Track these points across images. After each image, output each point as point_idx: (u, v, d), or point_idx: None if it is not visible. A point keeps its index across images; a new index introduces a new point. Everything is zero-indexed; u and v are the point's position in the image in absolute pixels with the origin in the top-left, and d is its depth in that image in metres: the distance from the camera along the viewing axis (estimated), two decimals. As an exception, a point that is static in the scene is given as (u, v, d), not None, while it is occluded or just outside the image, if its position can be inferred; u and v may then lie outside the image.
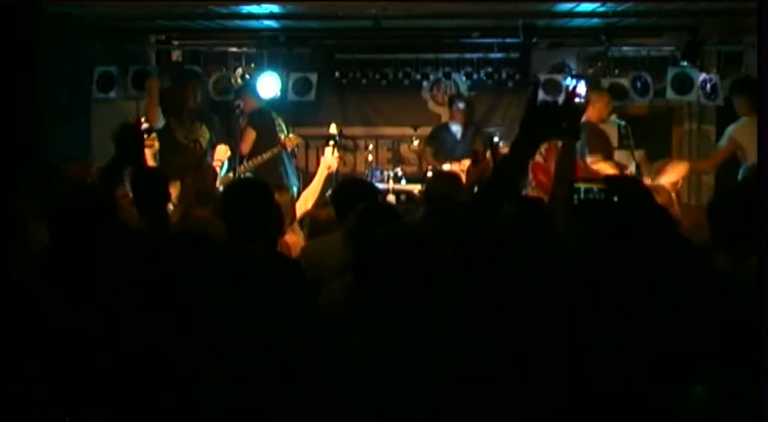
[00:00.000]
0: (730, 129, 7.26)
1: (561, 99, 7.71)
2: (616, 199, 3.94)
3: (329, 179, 6.48)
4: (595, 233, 2.98)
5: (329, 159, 6.58)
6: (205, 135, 7.32)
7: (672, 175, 6.90)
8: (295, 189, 7.82)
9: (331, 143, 7.03)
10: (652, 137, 8.88)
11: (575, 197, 3.95)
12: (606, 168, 7.19)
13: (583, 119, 7.27)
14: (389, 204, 4.66)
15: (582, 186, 4.00)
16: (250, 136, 8.09)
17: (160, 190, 4.55)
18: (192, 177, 5.48)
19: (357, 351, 2.75)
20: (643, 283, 2.77)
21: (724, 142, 7.28)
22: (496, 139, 7.21)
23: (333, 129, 7.34)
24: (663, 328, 2.66)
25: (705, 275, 3.25)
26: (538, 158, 9.21)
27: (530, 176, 7.14)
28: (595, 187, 4.00)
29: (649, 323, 2.68)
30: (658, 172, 7.04)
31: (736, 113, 7.46)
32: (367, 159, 8.96)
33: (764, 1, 2.35)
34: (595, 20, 7.88)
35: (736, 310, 2.67)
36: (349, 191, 4.57)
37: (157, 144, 6.93)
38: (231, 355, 2.50)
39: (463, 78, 9.45)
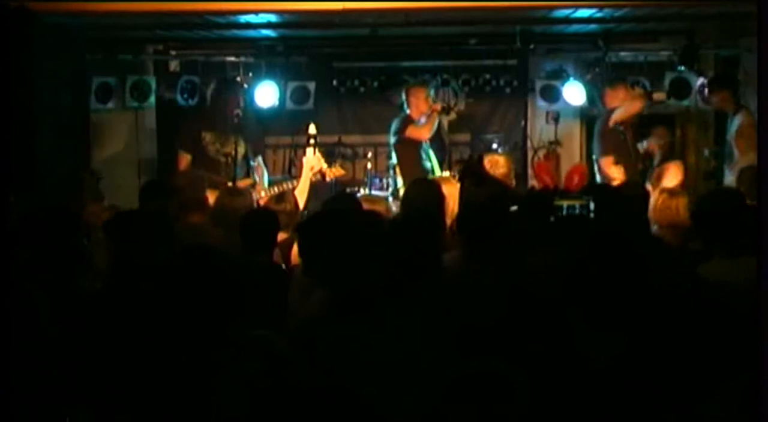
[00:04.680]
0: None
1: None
2: (598, 214, 3.98)
3: (315, 183, 6.58)
4: (581, 250, 3.01)
5: (311, 159, 6.64)
6: (239, 149, 7.29)
7: (672, 179, 6.92)
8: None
9: (311, 142, 7.04)
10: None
11: (556, 213, 3.99)
12: (615, 172, 7.21)
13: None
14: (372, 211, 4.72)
15: (564, 203, 4.04)
16: None
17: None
18: (182, 183, 5.52)
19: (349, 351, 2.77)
20: (629, 295, 2.78)
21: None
22: None
23: (312, 130, 7.31)
24: (654, 337, 2.66)
25: (693, 282, 3.26)
26: (541, 159, 9.27)
27: (533, 175, 7.18)
28: (577, 204, 4.04)
29: (640, 333, 2.68)
30: (658, 177, 7.06)
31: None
32: (366, 167, 8.95)
33: (764, 2, 2.37)
34: (592, 26, 7.90)
35: (725, 314, 2.66)
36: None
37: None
38: (232, 361, 2.51)
39: (461, 85, 9.46)
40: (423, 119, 7.88)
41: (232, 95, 7.67)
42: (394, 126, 8.04)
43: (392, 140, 8.01)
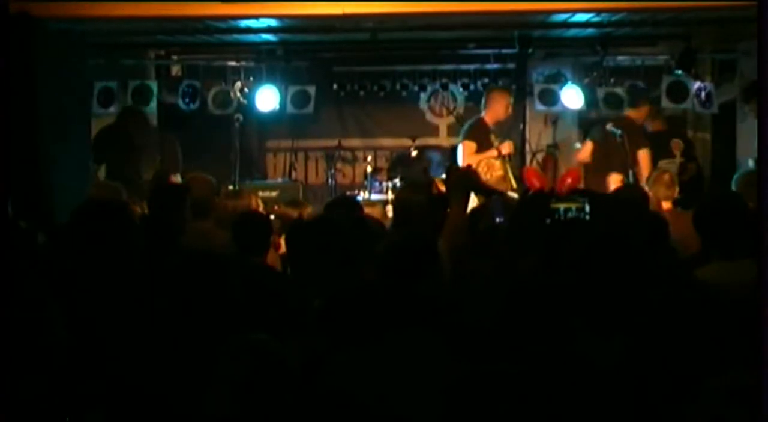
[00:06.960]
0: None
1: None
2: (595, 217, 3.99)
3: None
4: (580, 252, 3.03)
5: None
6: (149, 168, 7.32)
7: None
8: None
9: None
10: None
11: (553, 216, 4.00)
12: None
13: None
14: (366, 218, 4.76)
15: (561, 206, 4.05)
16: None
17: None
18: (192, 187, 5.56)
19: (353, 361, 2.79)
20: (630, 296, 2.80)
21: None
22: None
23: None
24: (653, 338, 2.69)
25: (691, 282, 3.29)
26: (533, 164, 9.29)
27: (524, 181, 7.17)
28: (573, 206, 4.05)
29: (639, 334, 2.71)
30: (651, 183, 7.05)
31: (731, 120, 7.54)
32: (365, 170, 9.00)
33: (764, 2, 2.41)
34: (590, 30, 7.93)
35: (723, 316, 2.69)
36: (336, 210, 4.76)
37: None
38: (232, 363, 2.55)
39: (460, 89, 9.50)
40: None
41: (135, 116, 7.64)
42: (466, 126, 7.82)
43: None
